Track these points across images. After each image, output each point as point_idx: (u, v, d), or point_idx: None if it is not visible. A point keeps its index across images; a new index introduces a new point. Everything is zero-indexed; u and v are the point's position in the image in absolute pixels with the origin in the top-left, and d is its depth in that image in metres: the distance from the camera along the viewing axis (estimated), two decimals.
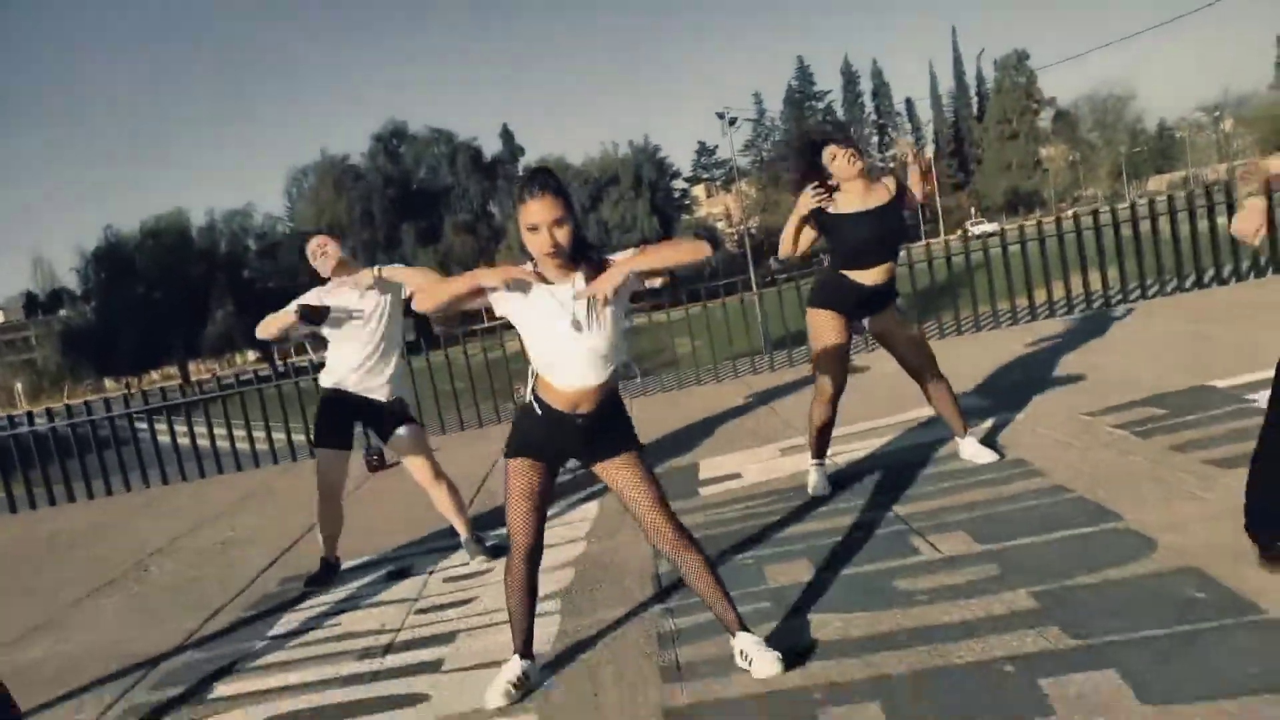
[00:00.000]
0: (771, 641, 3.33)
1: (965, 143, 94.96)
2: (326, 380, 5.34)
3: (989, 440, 5.56)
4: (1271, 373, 3.31)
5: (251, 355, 56.06)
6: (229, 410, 12.11)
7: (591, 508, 6.00)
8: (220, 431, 12.00)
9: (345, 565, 5.65)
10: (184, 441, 11.34)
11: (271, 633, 4.81)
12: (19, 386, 63.99)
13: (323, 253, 5.26)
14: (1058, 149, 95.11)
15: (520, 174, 77.49)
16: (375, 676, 3.99)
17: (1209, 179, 12.11)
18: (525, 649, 3.53)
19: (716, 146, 73.98)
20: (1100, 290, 10.65)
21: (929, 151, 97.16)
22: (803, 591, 3.95)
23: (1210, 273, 10.57)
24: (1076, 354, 7.87)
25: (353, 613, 4.89)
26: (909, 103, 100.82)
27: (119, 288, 63.22)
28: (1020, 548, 4.01)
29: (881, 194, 5.02)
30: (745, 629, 3.35)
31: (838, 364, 5.19)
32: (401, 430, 5.33)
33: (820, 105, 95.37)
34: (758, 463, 6.35)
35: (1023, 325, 10.32)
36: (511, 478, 3.43)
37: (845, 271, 5.07)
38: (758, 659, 3.25)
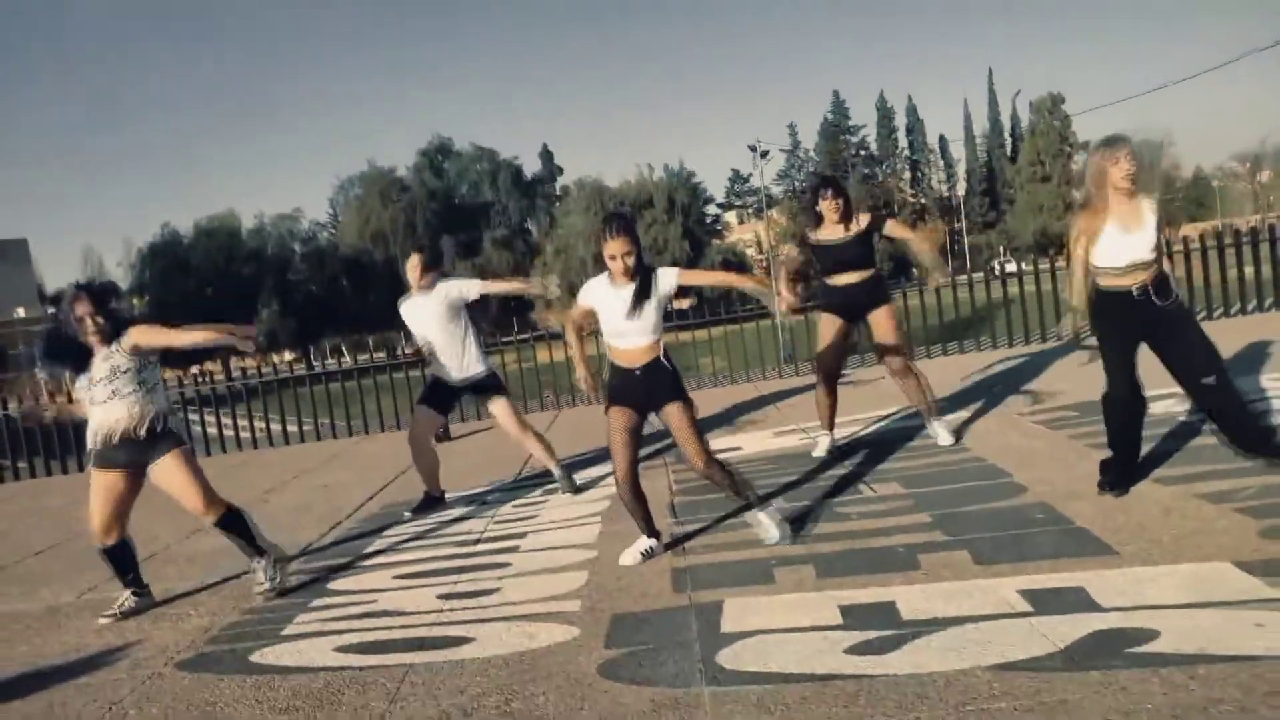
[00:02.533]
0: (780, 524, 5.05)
1: (997, 182, 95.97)
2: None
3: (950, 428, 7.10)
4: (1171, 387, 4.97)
5: (289, 355, 58.04)
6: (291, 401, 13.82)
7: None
8: (275, 417, 13.85)
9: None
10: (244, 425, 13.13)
11: (385, 533, 6.43)
12: (68, 372, 66.00)
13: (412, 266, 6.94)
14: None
15: (559, 191, 79.71)
16: (469, 555, 5.62)
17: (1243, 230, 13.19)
18: (650, 530, 5.15)
19: (750, 174, 76.07)
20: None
21: (960, 190, 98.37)
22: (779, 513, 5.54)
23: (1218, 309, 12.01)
24: (1042, 375, 9.39)
25: (446, 526, 6.50)
26: (942, 140, 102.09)
27: (171, 282, 65.45)
28: (933, 491, 5.64)
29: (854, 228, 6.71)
30: (760, 504, 5.07)
31: (829, 353, 6.89)
32: (492, 401, 7.06)
33: (854, 139, 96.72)
34: (755, 441, 7.97)
35: (1007, 349, 11.87)
36: (610, 421, 5.06)
37: (827, 280, 6.76)
38: (767, 528, 5.01)
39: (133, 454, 5.14)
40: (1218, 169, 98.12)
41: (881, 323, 6.81)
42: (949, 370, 10.38)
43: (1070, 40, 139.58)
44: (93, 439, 5.17)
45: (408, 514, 7.01)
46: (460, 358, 6.91)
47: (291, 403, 13.58)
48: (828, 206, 6.69)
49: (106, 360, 5.08)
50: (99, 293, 5.20)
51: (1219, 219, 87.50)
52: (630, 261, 4.85)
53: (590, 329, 5.30)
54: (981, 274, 13.42)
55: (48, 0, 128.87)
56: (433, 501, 7.12)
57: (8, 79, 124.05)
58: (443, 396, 7.15)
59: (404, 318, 7.07)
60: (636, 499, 5.09)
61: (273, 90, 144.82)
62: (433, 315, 6.83)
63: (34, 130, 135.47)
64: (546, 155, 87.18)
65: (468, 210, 77.97)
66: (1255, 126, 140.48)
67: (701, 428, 5.15)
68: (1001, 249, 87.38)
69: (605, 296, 4.96)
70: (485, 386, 7.07)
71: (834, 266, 6.78)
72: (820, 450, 7.00)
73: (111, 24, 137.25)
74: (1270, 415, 6.11)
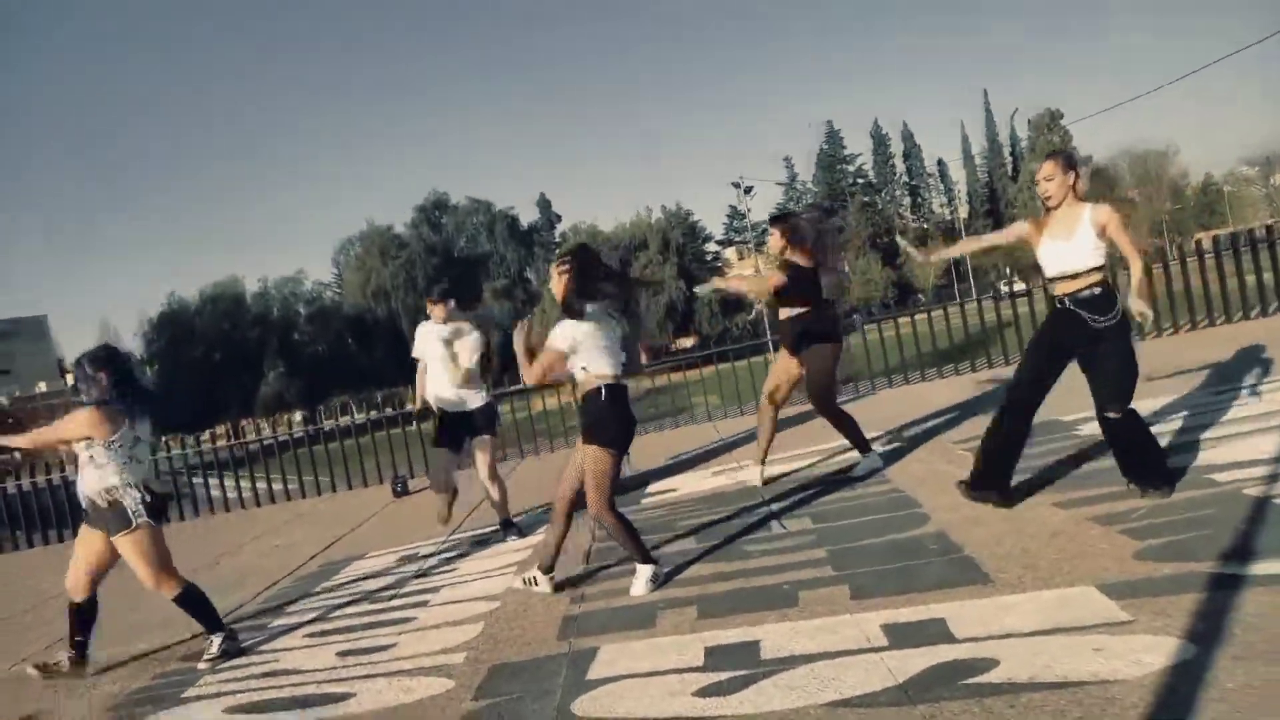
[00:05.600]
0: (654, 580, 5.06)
1: (1000, 202, 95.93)
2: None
3: (872, 464, 7.12)
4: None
5: (298, 416, 58.28)
6: (274, 462, 13.97)
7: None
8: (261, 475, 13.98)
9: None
10: (230, 486, 13.25)
11: (314, 591, 6.47)
12: None
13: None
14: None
15: (557, 239, 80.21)
16: (381, 610, 5.66)
17: (1260, 236, 13.01)
18: (549, 567, 5.29)
19: (749, 209, 76.31)
20: None
21: (963, 212, 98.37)
22: (684, 557, 5.57)
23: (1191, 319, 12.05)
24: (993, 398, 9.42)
25: (372, 581, 6.54)
26: (941, 163, 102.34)
27: (180, 350, 66.01)
28: (839, 526, 5.66)
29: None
30: (645, 562, 5.10)
31: (775, 384, 7.05)
32: (478, 438, 7.25)
33: (851, 168, 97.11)
34: (692, 481, 8.04)
35: (979, 374, 11.89)
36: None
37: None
38: (635, 585, 5.03)
39: (108, 520, 5.28)
40: (1229, 175, 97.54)
41: (811, 360, 6.85)
42: (916, 398, 10.37)
43: (1066, 48, 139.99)
44: (81, 498, 5.37)
45: (511, 536, 7.23)
46: (455, 385, 7.18)
47: (294, 462, 13.65)
48: (771, 241, 6.85)
49: None
50: (82, 367, 5.37)
51: (1231, 225, 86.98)
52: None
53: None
54: (991, 295, 13.44)
55: (46, 75, 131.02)
56: (507, 525, 7.33)
57: (14, 161, 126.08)
58: (453, 433, 7.31)
59: (418, 335, 7.45)
60: (563, 522, 5.27)
61: (272, 154, 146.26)
62: (442, 341, 7.25)
63: (46, 209, 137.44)
64: (544, 204, 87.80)
65: (467, 262, 78.41)
66: (1266, 129, 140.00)
67: (613, 478, 5.16)
68: (1008, 269, 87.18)
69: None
70: (478, 421, 7.23)
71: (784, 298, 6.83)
72: (750, 480, 7.19)
73: (113, 96, 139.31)
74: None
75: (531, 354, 5.08)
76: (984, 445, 5.29)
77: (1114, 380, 5.02)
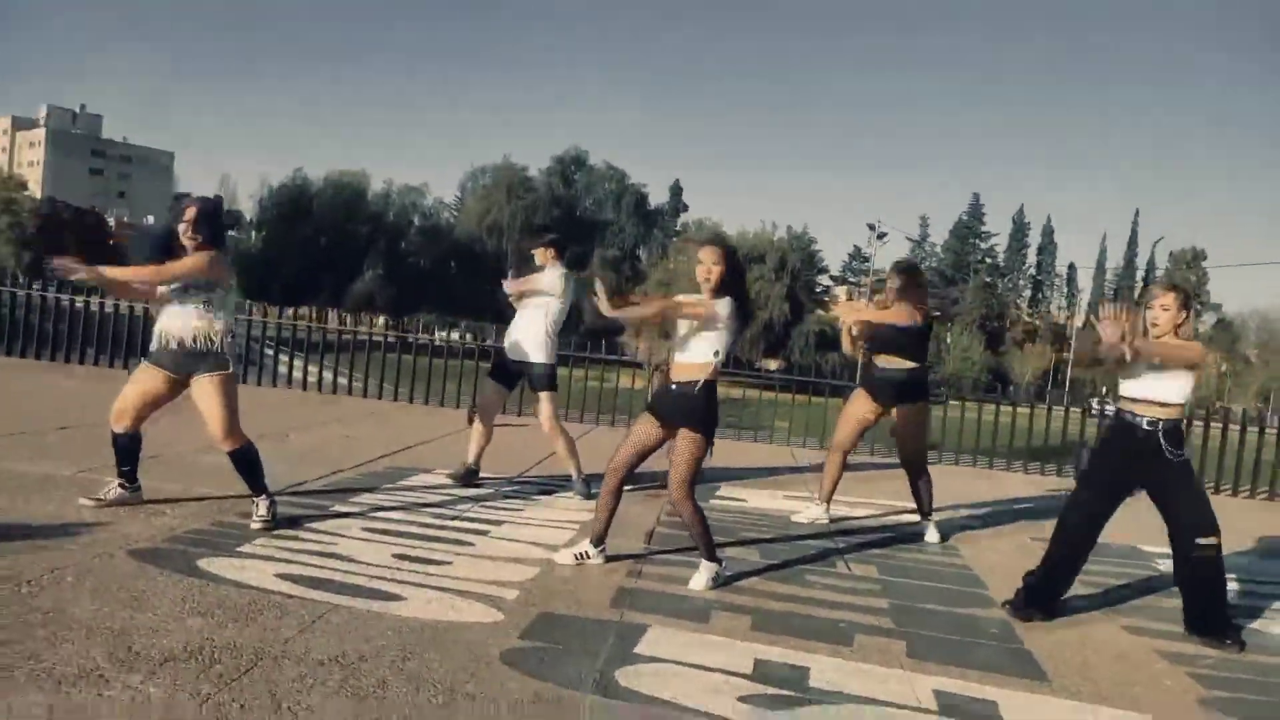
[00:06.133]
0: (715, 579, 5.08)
1: None
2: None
3: (944, 532, 7.05)
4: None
5: (381, 320, 59.18)
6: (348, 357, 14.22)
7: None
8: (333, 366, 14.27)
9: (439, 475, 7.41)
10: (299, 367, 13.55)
11: (376, 489, 6.57)
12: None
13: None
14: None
15: (679, 227, 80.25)
16: (440, 527, 5.73)
17: None
18: (598, 538, 5.26)
19: (871, 254, 75.51)
20: None
21: (1078, 321, 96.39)
22: (747, 567, 5.54)
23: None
24: None
25: (435, 499, 6.63)
26: (1071, 267, 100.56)
27: (290, 224, 67.38)
28: (903, 583, 5.60)
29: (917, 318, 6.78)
30: (710, 559, 5.09)
31: (849, 429, 7.01)
32: (540, 395, 7.32)
33: (983, 245, 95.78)
34: (762, 499, 7.97)
35: (1061, 479, 11.66)
36: (635, 425, 5.25)
37: (875, 358, 6.90)
38: (695, 579, 5.02)
39: (180, 363, 5.36)
40: None
41: (909, 416, 6.80)
42: (998, 487, 10.25)
43: (1218, 198, 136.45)
44: (155, 337, 5.43)
45: (446, 476, 7.32)
46: (525, 341, 7.25)
47: (372, 364, 13.88)
48: (891, 283, 6.86)
49: None
50: (210, 209, 5.43)
51: None
52: (716, 276, 5.01)
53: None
54: (1080, 407, 13.18)
55: None
56: (472, 474, 7.31)
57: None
58: (506, 373, 7.44)
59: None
60: (611, 498, 5.21)
61: (431, 72, 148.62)
62: (531, 302, 7.30)
63: (199, 55, 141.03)
64: (675, 190, 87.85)
65: (586, 223, 78.77)
66: None
67: (699, 467, 5.16)
68: (1104, 389, 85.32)
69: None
70: (536, 378, 7.28)
71: (884, 346, 6.80)
72: (803, 516, 7.08)
73: None
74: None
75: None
76: (1044, 563, 5.20)
77: (1201, 506, 4.96)
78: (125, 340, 13.38)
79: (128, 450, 5.55)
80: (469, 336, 13.70)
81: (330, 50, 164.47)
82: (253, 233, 71.93)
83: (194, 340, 5.32)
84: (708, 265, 5.01)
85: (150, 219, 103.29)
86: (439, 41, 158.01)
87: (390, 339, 14.94)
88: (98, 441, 6.77)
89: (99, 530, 4.92)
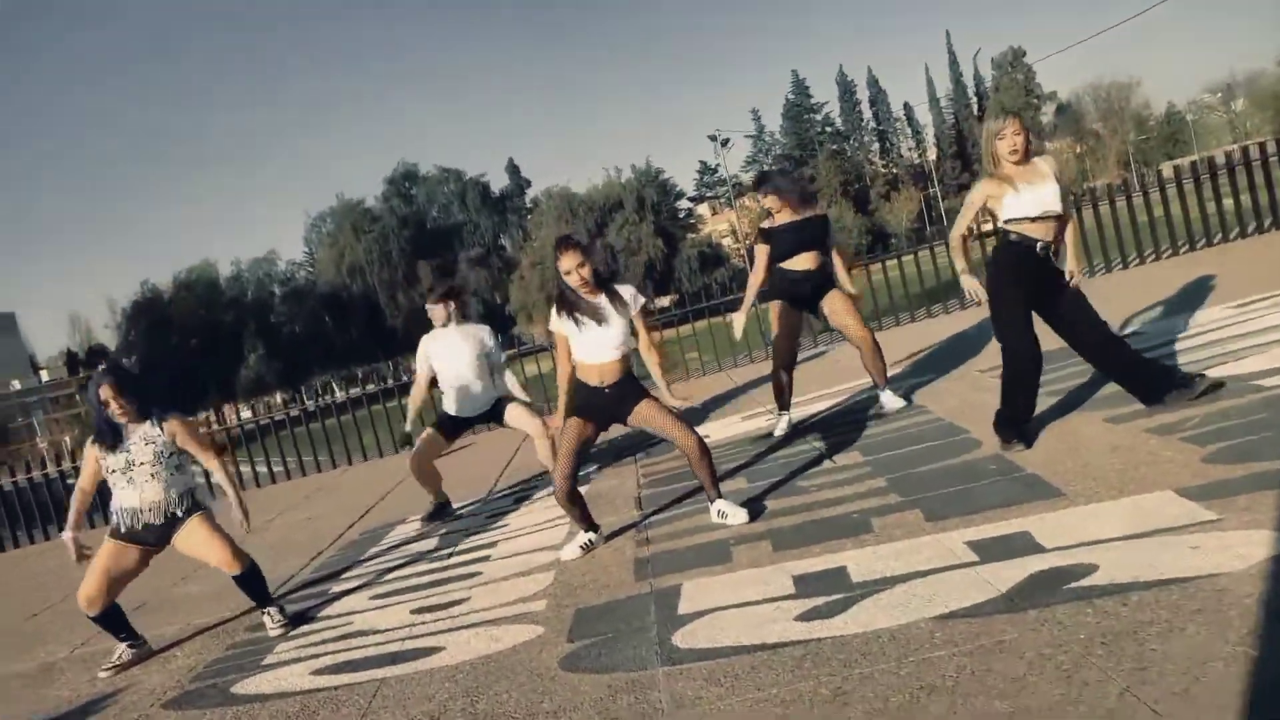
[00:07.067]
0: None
1: (967, 144, 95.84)
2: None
3: (904, 392, 7.21)
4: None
5: (279, 397, 57.97)
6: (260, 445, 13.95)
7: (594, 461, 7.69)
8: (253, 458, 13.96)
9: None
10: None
11: (364, 558, 6.49)
12: (67, 440, 66.03)
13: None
14: (1062, 143, 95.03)
15: (529, 204, 79.85)
16: (443, 569, 5.68)
17: (1220, 161, 13.13)
18: (588, 525, 5.30)
19: (718, 165, 75.99)
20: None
21: (931, 155, 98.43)
22: (743, 496, 5.59)
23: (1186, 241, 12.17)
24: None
25: (422, 543, 6.56)
26: (907, 107, 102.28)
27: (156, 339, 65.43)
28: (891, 456, 5.72)
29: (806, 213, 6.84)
30: (721, 496, 5.16)
31: (783, 340, 7.00)
32: (508, 409, 7.16)
33: (818, 116, 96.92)
34: (723, 428, 8.05)
35: (980, 308, 11.95)
36: (567, 429, 5.16)
37: (781, 265, 6.84)
38: (732, 514, 5.10)
39: (160, 531, 5.25)
40: (1191, 103, 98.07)
41: (838, 306, 6.87)
42: (917, 336, 10.49)
43: None
44: (127, 516, 5.24)
45: (419, 521, 7.23)
46: (487, 390, 7.11)
47: (286, 443, 13.63)
48: (768, 202, 6.84)
49: (149, 444, 5.18)
50: (124, 377, 5.31)
51: (1196, 153, 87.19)
52: (586, 273, 5.01)
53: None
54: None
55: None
56: (441, 509, 7.23)
57: None
58: (457, 425, 7.26)
59: (431, 355, 7.15)
60: (573, 502, 5.20)
61: (238, 132, 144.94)
62: (465, 352, 7.04)
63: (6, 203, 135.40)
64: (513, 169, 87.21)
65: (440, 233, 77.97)
66: (1224, 57, 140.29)
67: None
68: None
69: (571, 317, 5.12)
70: (499, 407, 7.18)
71: (789, 250, 6.83)
72: (780, 430, 7.09)
73: (73, 81, 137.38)
74: (1166, 359, 6.14)
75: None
76: (1010, 400, 5.31)
77: (1092, 309, 5.24)
78: (36, 511, 12.91)
79: (114, 621, 5.40)
80: (368, 384, 13.49)
81: (130, 149, 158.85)
82: (125, 359, 69.91)
83: (177, 508, 5.26)
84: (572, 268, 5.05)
85: (16, 384, 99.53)
86: (233, 101, 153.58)
87: (287, 415, 14.76)
88: (72, 617, 6.59)
89: (123, 696, 4.79)
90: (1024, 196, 5.09)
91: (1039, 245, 5.12)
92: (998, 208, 5.20)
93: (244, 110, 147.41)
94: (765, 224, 7.04)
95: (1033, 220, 5.13)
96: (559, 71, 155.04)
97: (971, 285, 5.39)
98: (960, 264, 5.42)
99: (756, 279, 7.03)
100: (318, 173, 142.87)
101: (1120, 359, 5.29)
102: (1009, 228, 5.19)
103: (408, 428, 7.77)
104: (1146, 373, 5.28)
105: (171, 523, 5.24)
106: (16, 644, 6.57)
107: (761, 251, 6.92)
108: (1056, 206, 5.10)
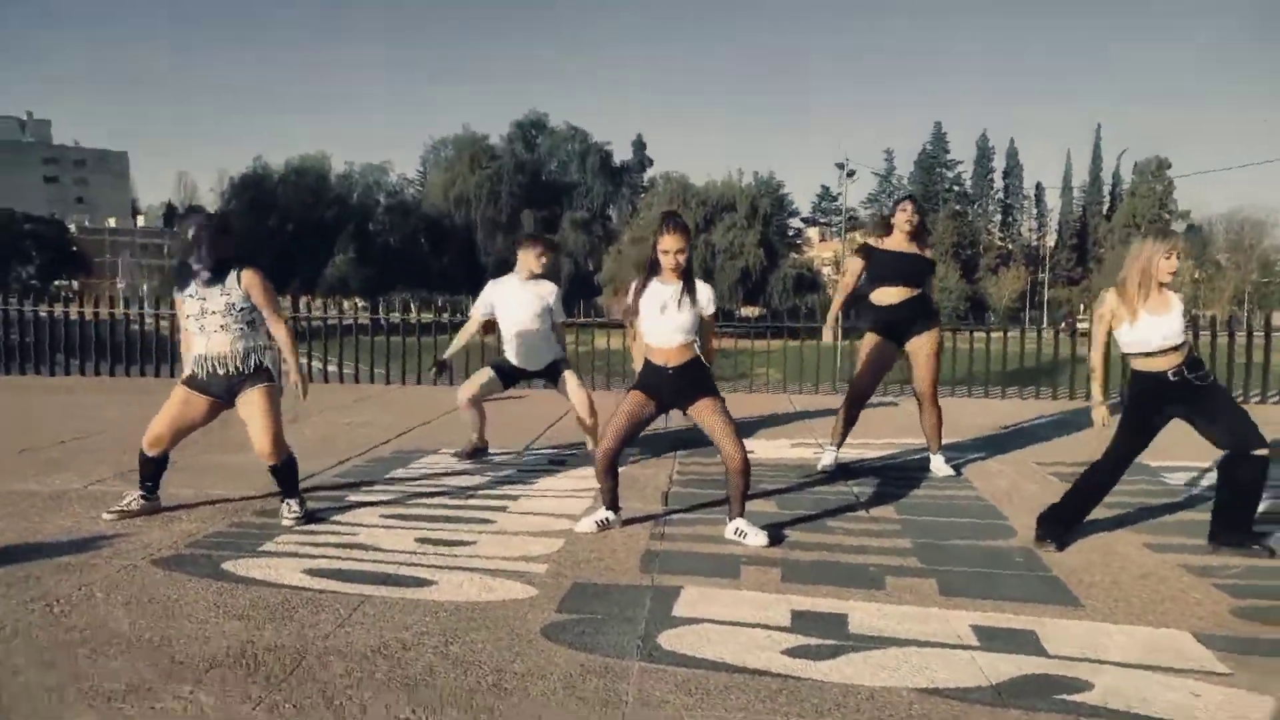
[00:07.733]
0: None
1: (1089, 239, 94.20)
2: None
3: (956, 463, 7.11)
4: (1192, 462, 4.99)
5: (360, 301, 58.79)
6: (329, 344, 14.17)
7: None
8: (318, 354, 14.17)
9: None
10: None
11: (388, 475, 6.56)
12: (145, 287, 67.65)
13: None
14: (1184, 264, 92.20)
15: (645, 183, 79.96)
16: (459, 507, 5.73)
17: None
18: (612, 504, 5.31)
19: (840, 193, 75.37)
20: None
21: (1050, 240, 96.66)
22: (768, 520, 5.55)
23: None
24: (1079, 434, 9.23)
25: (448, 479, 6.62)
26: (1039, 187, 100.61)
27: (256, 215, 66.63)
28: (925, 521, 5.64)
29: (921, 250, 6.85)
30: (743, 515, 5.14)
31: (866, 373, 6.97)
32: (565, 376, 7.28)
33: (949, 174, 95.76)
34: (770, 449, 7.99)
35: (1063, 402, 11.74)
36: (627, 399, 5.23)
37: (874, 295, 6.84)
38: (751, 534, 5.06)
39: (227, 385, 5.33)
40: None
41: (922, 347, 6.79)
42: (987, 413, 10.33)
43: (1181, 106, 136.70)
44: (197, 363, 5.35)
45: (452, 455, 7.34)
46: (548, 346, 7.21)
47: (349, 347, 13.86)
48: (903, 217, 6.75)
49: (224, 295, 5.25)
50: (216, 225, 5.34)
51: None
52: (682, 259, 5.07)
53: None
54: (1063, 329, 13.25)
55: None
56: (478, 451, 7.33)
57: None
58: (514, 374, 7.35)
59: (494, 300, 7.23)
60: (610, 475, 5.23)
61: (382, 45, 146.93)
62: (529, 305, 7.12)
63: (145, 51, 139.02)
64: (639, 145, 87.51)
65: (553, 187, 78.50)
66: None
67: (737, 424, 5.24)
68: (1081, 307, 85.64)
69: (651, 292, 5.18)
70: (556, 368, 7.27)
71: (888, 277, 6.76)
72: (825, 463, 7.03)
73: None
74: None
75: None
76: (1069, 503, 5.23)
77: (1244, 419, 4.99)
78: (95, 347, 13.30)
79: (159, 469, 5.54)
80: (446, 313, 13.56)
81: (277, 35, 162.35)
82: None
83: (244, 362, 5.31)
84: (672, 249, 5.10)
85: (112, 222, 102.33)
86: (385, 17, 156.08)
87: (368, 321, 14.95)
88: (100, 453, 6.79)
89: (119, 542, 4.90)
90: (1142, 325, 5.00)
91: (1170, 373, 5.00)
92: (1118, 329, 5.12)
93: (401, 32, 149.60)
94: (872, 240, 6.98)
95: (1148, 355, 5.04)
96: (709, 66, 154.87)
97: (1102, 416, 5.28)
98: (1098, 393, 5.29)
99: (846, 287, 7.06)
100: (449, 104, 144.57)
101: (1240, 483, 5.02)
102: (1133, 365, 5.14)
103: (445, 356, 7.80)
104: (1241, 512, 5.05)
105: (238, 379, 5.30)
106: (39, 466, 6.76)
107: (855, 264, 6.88)
108: (1177, 339, 4.99)
